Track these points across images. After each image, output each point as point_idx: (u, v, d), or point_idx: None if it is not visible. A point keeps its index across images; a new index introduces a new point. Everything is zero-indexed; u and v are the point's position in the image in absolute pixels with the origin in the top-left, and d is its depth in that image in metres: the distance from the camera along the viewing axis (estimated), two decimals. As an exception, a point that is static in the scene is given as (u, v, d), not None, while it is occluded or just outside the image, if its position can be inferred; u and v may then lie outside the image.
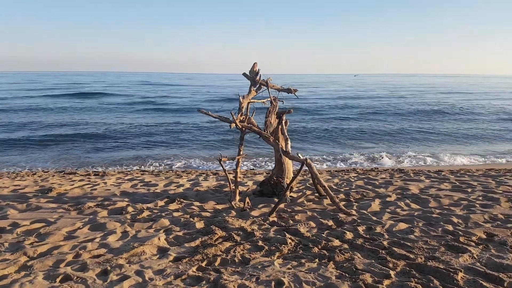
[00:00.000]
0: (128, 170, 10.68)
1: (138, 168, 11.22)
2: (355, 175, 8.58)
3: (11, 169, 10.86)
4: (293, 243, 4.07)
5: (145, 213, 5.27)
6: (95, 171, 10.06)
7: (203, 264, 3.58)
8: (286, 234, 4.34)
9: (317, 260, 3.65)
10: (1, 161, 11.99)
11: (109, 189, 6.94)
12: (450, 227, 4.50)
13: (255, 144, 13.71)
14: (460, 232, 4.32)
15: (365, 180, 7.67)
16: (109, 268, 3.44)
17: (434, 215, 5.02)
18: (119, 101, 32.83)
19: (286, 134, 6.11)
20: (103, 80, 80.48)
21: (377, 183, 7.26)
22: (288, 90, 6.25)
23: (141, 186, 7.30)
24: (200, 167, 11.31)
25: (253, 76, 6.04)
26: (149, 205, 5.73)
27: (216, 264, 3.59)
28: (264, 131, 5.84)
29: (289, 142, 6.15)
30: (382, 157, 12.48)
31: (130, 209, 5.48)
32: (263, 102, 6.22)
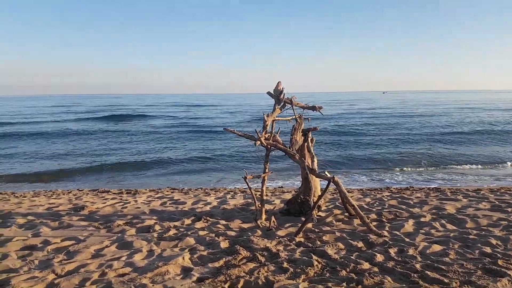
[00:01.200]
0: (159, 188, 10.85)
1: (168, 186, 11.39)
2: (388, 194, 8.28)
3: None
4: (319, 266, 3.94)
5: (172, 232, 5.30)
6: (127, 189, 10.29)
7: (226, 286, 3.52)
8: (313, 255, 4.21)
9: (344, 284, 3.50)
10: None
11: (139, 207, 7.05)
12: (488, 249, 4.22)
13: (284, 162, 13.62)
14: (499, 255, 4.04)
15: (399, 199, 7.38)
16: (132, 287, 3.45)
17: (471, 237, 4.73)
18: (156, 123, 33.59)
19: (312, 151, 6.02)
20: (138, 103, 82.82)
21: (412, 203, 6.96)
22: (313, 108, 6.18)
23: (170, 204, 7.38)
24: (229, 185, 11.35)
25: (277, 94, 6.04)
26: (176, 223, 5.77)
27: (239, 286, 3.52)
28: (290, 149, 5.78)
29: (315, 159, 6.05)
30: None
31: (157, 227, 5.54)
32: (288, 120, 6.19)
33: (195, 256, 4.30)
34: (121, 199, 8.12)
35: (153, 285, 3.51)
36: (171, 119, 38.68)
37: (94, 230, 5.49)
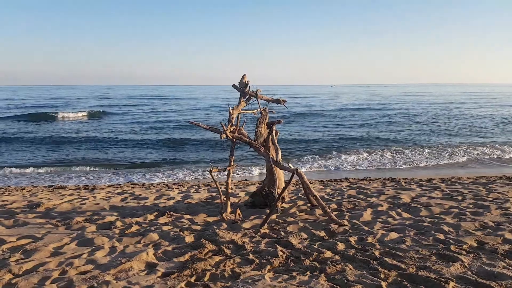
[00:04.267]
0: (118, 184, 10.56)
1: (128, 181, 11.11)
2: (347, 184, 8.57)
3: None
4: (284, 256, 4.02)
5: (134, 228, 5.19)
6: (85, 185, 9.94)
7: (192, 280, 3.51)
8: (278, 246, 4.29)
9: (308, 272, 3.60)
10: None
11: (99, 203, 6.84)
12: (441, 236, 4.49)
13: (248, 154, 13.70)
14: (451, 241, 4.31)
15: (357, 189, 7.67)
16: (95, 284, 3.36)
17: (425, 224, 5.01)
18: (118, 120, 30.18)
19: (277, 144, 6.10)
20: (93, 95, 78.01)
21: (369, 192, 7.25)
22: (277, 101, 6.26)
23: (131, 199, 7.21)
24: (192, 179, 11.24)
25: (242, 87, 6.05)
26: (138, 219, 5.65)
27: (205, 279, 3.53)
28: (255, 141, 5.83)
29: (279, 152, 6.13)
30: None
31: (118, 223, 5.40)
32: (253, 112, 6.22)
33: (159, 251, 4.24)
34: (79, 195, 7.83)
35: (116, 282, 3.43)
36: (129, 115, 34.22)
37: (52, 228, 5.26)
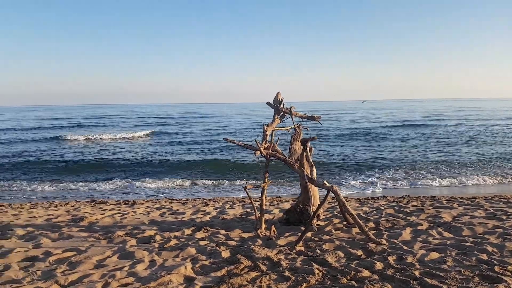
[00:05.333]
0: (157, 199, 10.85)
1: (166, 197, 11.39)
2: (385, 202, 8.37)
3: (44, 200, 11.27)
4: (320, 274, 3.99)
5: (173, 242, 5.33)
6: (125, 201, 10.28)
7: (229, 294, 3.56)
8: (314, 264, 4.27)
9: (345, 291, 3.56)
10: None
11: (138, 218, 7.08)
12: (485, 256, 4.31)
13: (282, 171, 13.69)
14: (495, 262, 4.13)
15: (396, 208, 7.48)
16: (136, 297, 3.49)
17: (467, 244, 4.82)
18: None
19: (311, 161, 6.10)
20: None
21: (408, 211, 7.06)
22: (312, 118, 6.29)
23: (169, 214, 7.41)
24: (226, 195, 11.37)
25: (276, 104, 6.14)
26: (176, 233, 5.81)
27: (242, 294, 3.57)
28: (289, 158, 5.87)
29: (314, 169, 6.12)
30: None
31: (158, 237, 5.57)
32: (287, 129, 6.27)
33: (197, 265, 4.34)
34: (119, 210, 8.13)
35: (156, 295, 3.54)
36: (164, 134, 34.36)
37: (95, 241, 5.51)
